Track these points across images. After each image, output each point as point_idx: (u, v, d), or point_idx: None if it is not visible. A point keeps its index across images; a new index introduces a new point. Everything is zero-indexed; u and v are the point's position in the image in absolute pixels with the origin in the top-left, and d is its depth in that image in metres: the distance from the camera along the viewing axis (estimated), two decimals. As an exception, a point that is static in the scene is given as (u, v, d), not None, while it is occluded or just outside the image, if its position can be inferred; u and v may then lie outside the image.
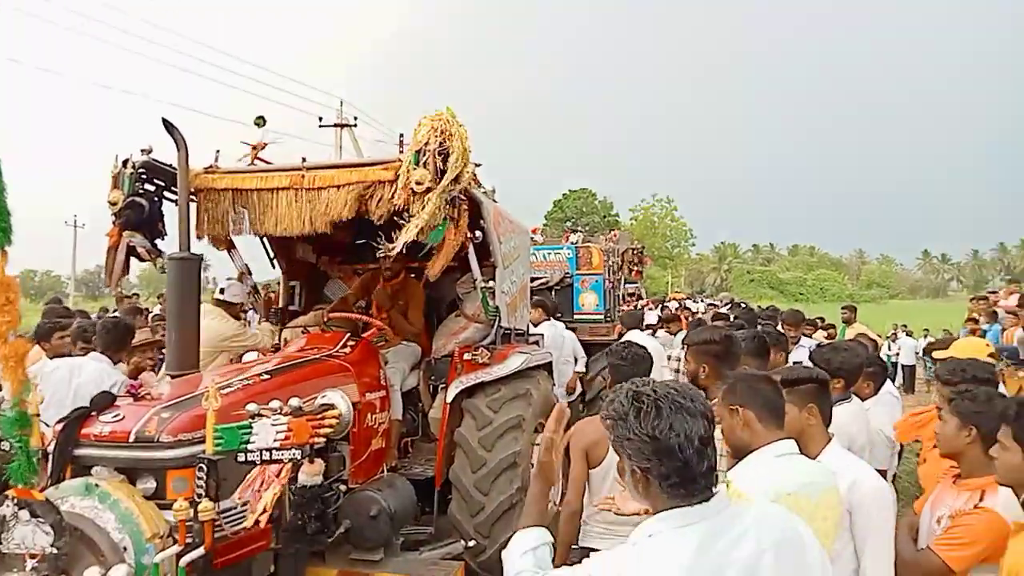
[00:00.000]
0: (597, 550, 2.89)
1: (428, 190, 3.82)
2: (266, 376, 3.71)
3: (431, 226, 3.85)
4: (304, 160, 4.41)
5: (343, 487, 3.80)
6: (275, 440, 2.79)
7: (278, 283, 5.91)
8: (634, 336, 7.26)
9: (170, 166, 4.33)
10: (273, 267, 5.60)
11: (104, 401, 3.10)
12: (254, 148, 4.67)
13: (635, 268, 13.46)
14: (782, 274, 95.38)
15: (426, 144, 3.84)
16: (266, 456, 2.80)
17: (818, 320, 11.73)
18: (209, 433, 2.80)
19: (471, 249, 4.55)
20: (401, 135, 4.17)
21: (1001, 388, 3.50)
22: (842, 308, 10.84)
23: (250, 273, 5.44)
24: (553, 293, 9.59)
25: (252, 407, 2.89)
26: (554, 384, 5.99)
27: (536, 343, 6.16)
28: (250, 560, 3.20)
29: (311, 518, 2.93)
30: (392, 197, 3.93)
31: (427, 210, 3.76)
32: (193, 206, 4.41)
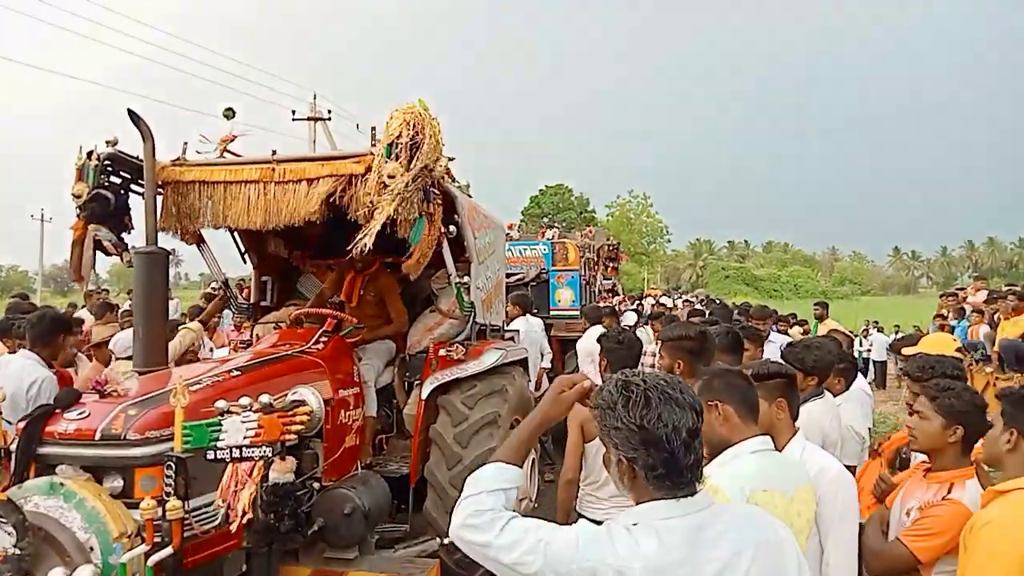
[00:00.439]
0: (588, 518, 3.25)
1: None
2: (236, 372, 3.66)
3: (408, 220, 3.81)
4: (274, 153, 4.34)
5: (316, 485, 3.75)
6: (245, 437, 2.75)
7: (249, 279, 5.83)
8: (595, 331, 7.31)
9: (136, 158, 4.24)
10: (244, 262, 5.52)
11: (69, 398, 3.03)
12: (224, 141, 4.58)
13: (611, 264, 13.52)
14: (756, 271, 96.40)
15: (398, 137, 3.79)
16: (236, 454, 2.76)
17: (791, 317, 11.88)
18: (178, 430, 2.75)
19: (445, 244, 4.52)
20: (373, 128, 4.12)
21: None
22: (815, 304, 10.96)
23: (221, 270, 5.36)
24: (529, 289, 9.60)
25: (221, 404, 2.84)
26: (529, 380, 5.99)
27: (511, 339, 6.14)
28: (221, 559, 3.15)
29: (284, 516, 2.89)
30: (364, 190, 3.88)
31: (394, 198, 3.70)
32: (160, 199, 4.33)
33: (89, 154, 4.14)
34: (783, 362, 3.16)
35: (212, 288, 5.96)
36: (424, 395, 4.61)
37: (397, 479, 4.48)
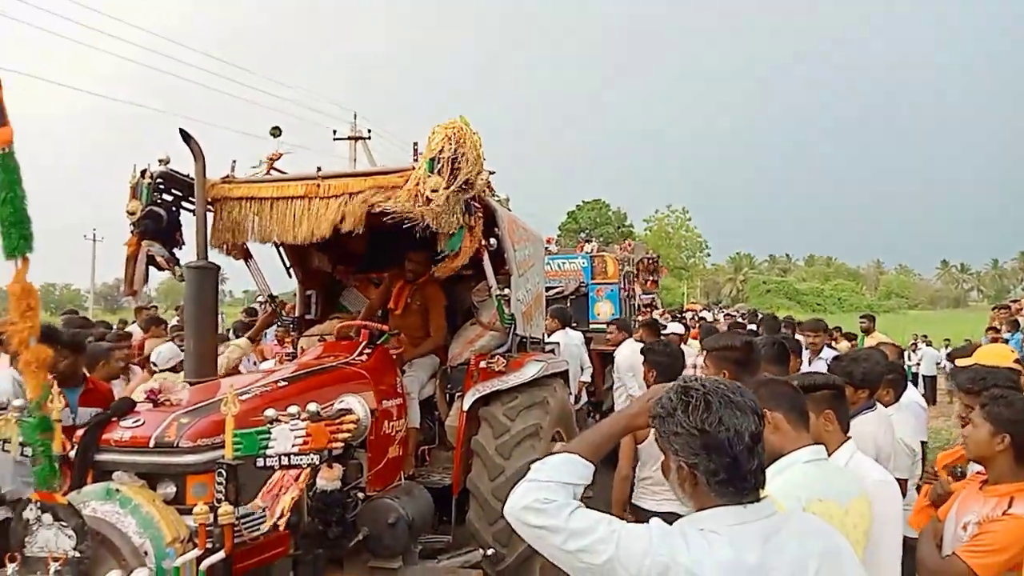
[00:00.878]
0: (647, 510, 3.69)
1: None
2: (284, 383, 3.73)
3: (447, 232, 3.86)
4: (319, 169, 4.45)
5: (360, 495, 3.80)
6: (293, 445, 2.80)
7: (293, 295, 5.95)
8: (630, 344, 7.29)
9: (187, 176, 4.38)
10: (289, 276, 5.63)
11: (125, 406, 3.12)
12: (270, 159, 4.71)
13: (650, 278, 13.43)
14: (799, 284, 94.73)
15: (440, 152, 3.86)
16: (285, 461, 2.81)
17: (835, 330, 11.64)
18: (228, 438, 2.81)
19: (486, 257, 4.56)
20: (415, 143, 4.19)
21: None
22: (861, 318, 10.75)
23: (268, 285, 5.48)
24: (568, 302, 9.59)
25: (271, 412, 2.90)
26: (570, 392, 5.97)
27: (552, 352, 6.15)
28: (269, 567, 3.20)
29: (330, 523, 2.92)
30: (402, 201, 3.94)
31: (432, 209, 3.76)
32: (210, 216, 4.46)
33: (143, 172, 4.29)
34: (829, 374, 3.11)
35: (258, 301, 6.07)
36: (466, 407, 4.63)
37: (439, 490, 4.50)
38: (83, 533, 2.55)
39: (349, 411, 2.87)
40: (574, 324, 8.56)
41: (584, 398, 8.39)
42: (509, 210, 5.17)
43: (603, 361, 8.89)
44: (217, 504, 2.70)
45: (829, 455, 2.46)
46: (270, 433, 2.84)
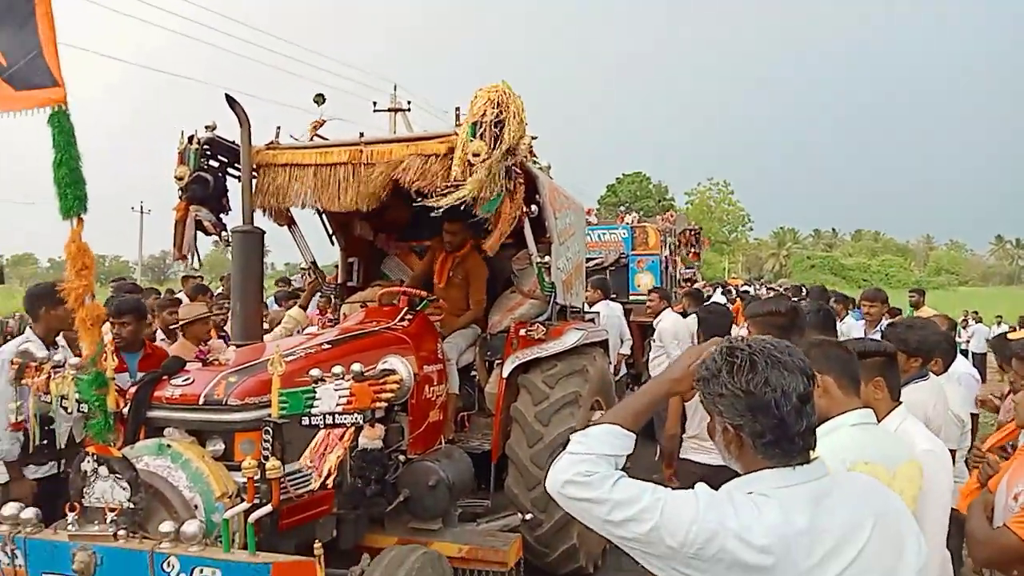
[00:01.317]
0: (697, 462, 3.91)
1: (483, 161, 3.81)
2: (327, 346, 3.80)
3: (486, 197, 3.84)
4: (362, 135, 4.46)
5: (402, 457, 3.86)
6: (338, 404, 2.85)
7: (336, 266, 6.03)
8: (671, 314, 7.27)
9: (233, 143, 4.44)
10: (332, 243, 5.70)
11: (175, 365, 3.21)
12: (314, 125, 4.75)
13: (693, 250, 13.23)
14: (845, 260, 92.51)
15: (482, 116, 3.83)
16: (329, 420, 2.86)
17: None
18: (274, 397, 2.88)
19: (527, 224, 4.54)
20: (457, 108, 4.17)
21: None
22: (910, 292, 10.48)
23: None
24: (608, 274, 9.52)
25: (315, 372, 2.95)
26: (610, 362, 5.96)
27: (592, 321, 6.13)
28: (313, 524, 3.28)
29: (372, 481, 2.98)
30: (449, 168, 3.93)
31: (477, 175, 3.74)
32: (255, 182, 4.52)
33: (190, 138, 4.37)
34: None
35: (301, 269, 6.16)
36: (505, 374, 4.65)
37: (478, 456, 4.55)
38: (137, 485, 2.65)
39: (392, 371, 2.91)
40: (613, 295, 8.50)
41: (623, 370, 8.36)
42: (550, 177, 5.13)
43: (643, 333, 8.83)
44: (264, 460, 2.77)
45: (879, 421, 2.41)
46: (315, 392, 2.89)
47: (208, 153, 4.45)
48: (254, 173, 4.49)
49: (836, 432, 2.14)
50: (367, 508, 3.31)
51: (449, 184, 3.90)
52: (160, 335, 5.35)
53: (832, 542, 1.44)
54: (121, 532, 2.60)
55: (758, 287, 29.36)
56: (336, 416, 2.84)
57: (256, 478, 2.65)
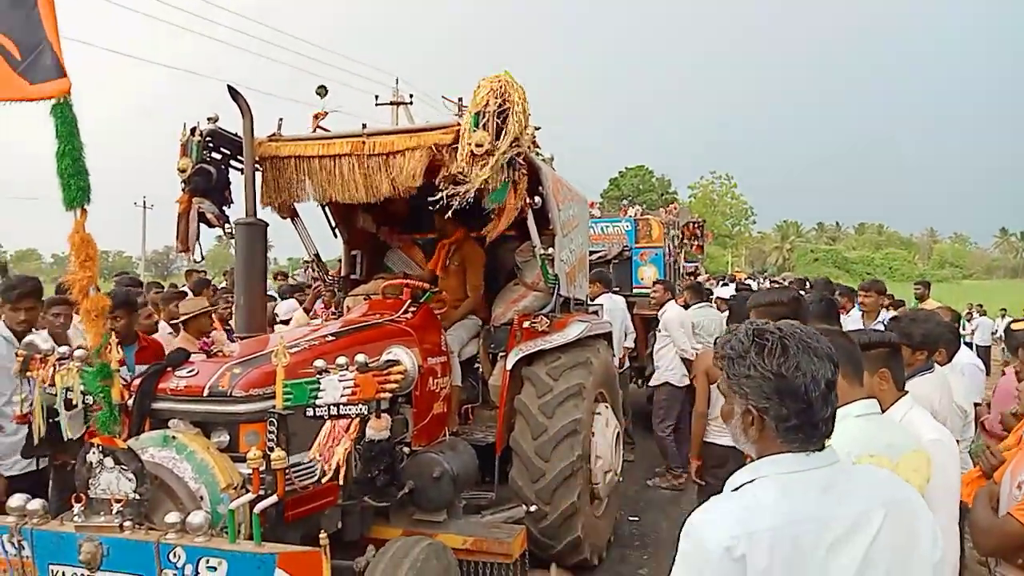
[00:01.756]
0: (721, 445, 4.15)
1: (488, 152, 3.80)
2: (331, 337, 3.80)
3: (492, 187, 3.83)
4: (364, 127, 4.45)
5: (406, 449, 3.86)
6: (342, 395, 2.84)
7: (339, 260, 6.03)
8: (674, 305, 7.28)
9: (235, 135, 4.44)
10: (335, 236, 5.69)
11: (179, 357, 3.21)
12: (316, 117, 4.73)
13: (696, 243, 13.18)
14: (848, 253, 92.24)
15: (485, 106, 3.82)
16: (334, 411, 2.86)
17: (888, 297, 11.33)
18: (279, 388, 2.87)
19: (530, 215, 4.53)
20: (460, 99, 4.16)
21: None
22: (915, 284, 10.44)
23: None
24: (611, 267, 9.48)
25: (320, 363, 2.95)
26: (613, 355, 5.95)
27: (595, 313, 6.12)
28: (318, 515, 3.29)
29: (379, 472, 2.98)
30: (455, 161, 3.92)
31: (484, 172, 3.74)
32: (258, 175, 4.51)
33: (192, 130, 4.36)
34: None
35: (304, 262, 6.16)
36: (509, 366, 4.64)
37: (482, 448, 4.55)
38: (142, 477, 2.65)
39: (397, 362, 2.90)
40: (616, 288, 8.47)
41: (627, 364, 8.33)
42: (553, 169, 5.12)
43: (647, 327, 8.80)
44: (269, 451, 2.77)
45: (884, 411, 2.41)
46: (319, 384, 2.89)
47: (211, 145, 4.44)
48: (257, 166, 4.49)
49: (842, 423, 2.12)
50: (373, 499, 3.30)
51: (450, 175, 3.90)
52: (167, 328, 5.34)
53: (841, 530, 1.43)
54: (127, 523, 2.60)
55: (761, 280, 29.25)
56: (341, 407, 2.83)
57: (261, 469, 2.66)
